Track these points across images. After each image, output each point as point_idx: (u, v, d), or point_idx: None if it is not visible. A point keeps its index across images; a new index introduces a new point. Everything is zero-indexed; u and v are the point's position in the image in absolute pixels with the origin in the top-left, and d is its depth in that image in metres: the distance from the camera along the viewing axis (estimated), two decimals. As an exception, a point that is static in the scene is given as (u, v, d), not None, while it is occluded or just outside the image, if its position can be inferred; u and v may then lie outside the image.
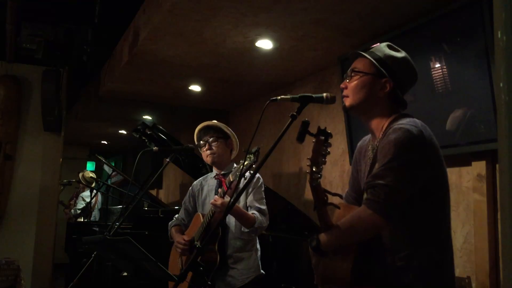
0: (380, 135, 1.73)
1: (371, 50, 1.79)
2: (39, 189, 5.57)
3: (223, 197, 2.47)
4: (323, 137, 1.57)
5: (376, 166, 1.64)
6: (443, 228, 1.69)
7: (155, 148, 3.05)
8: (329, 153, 1.60)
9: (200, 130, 2.85)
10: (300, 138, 1.58)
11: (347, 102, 1.78)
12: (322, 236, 1.65)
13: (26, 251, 5.35)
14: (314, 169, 1.58)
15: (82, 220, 7.46)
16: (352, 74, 1.78)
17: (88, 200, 7.55)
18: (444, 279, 1.64)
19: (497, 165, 2.83)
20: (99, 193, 7.64)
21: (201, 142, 2.81)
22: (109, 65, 5.71)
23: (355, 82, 1.76)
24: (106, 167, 9.06)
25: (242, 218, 2.56)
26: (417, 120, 1.69)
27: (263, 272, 2.73)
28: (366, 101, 1.75)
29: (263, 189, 2.71)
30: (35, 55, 4.90)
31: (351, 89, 1.76)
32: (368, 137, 1.90)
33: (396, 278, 1.61)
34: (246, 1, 3.32)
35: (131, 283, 3.71)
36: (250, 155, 2.25)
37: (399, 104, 1.77)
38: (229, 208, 1.83)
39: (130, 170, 10.41)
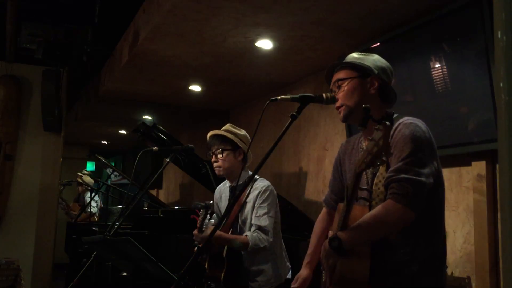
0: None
1: (345, 61, 1.85)
2: (39, 189, 5.57)
3: (200, 232, 2.53)
4: (389, 123, 1.40)
5: (394, 161, 1.64)
6: (441, 226, 1.74)
7: (155, 148, 3.05)
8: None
9: (209, 138, 2.75)
10: (364, 124, 1.52)
11: (343, 111, 1.80)
12: (342, 235, 1.61)
13: (26, 251, 5.34)
14: (383, 154, 1.40)
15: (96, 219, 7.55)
16: (339, 84, 1.81)
17: (98, 201, 7.69)
18: (438, 276, 1.70)
19: (497, 165, 2.83)
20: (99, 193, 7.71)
21: (209, 152, 2.72)
22: (109, 65, 5.71)
23: (344, 89, 1.79)
24: (109, 170, 9.07)
25: (232, 243, 2.53)
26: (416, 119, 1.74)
27: (289, 277, 2.67)
28: (361, 102, 1.76)
29: (269, 202, 2.58)
30: (35, 55, 4.90)
31: (342, 97, 1.79)
32: (352, 138, 1.94)
33: (405, 268, 1.65)
34: (246, 1, 3.32)
35: (131, 283, 3.71)
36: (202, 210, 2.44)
37: (389, 100, 1.82)
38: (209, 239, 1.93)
39: (130, 170, 10.41)
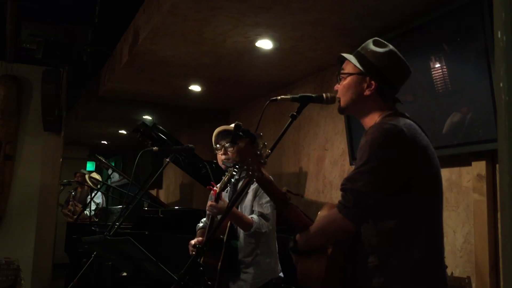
0: None
1: (358, 49, 1.80)
2: (39, 189, 5.57)
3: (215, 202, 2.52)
4: (248, 138, 1.68)
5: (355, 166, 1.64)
6: (430, 228, 1.64)
7: (155, 148, 3.05)
8: (269, 153, 1.73)
9: (218, 133, 2.81)
10: (233, 141, 1.74)
11: (339, 104, 1.80)
12: (298, 236, 1.69)
13: (26, 251, 5.35)
14: (244, 167, 1.68)
15: (94, 220, 7.54)
16: (340, 76, 1.80)
17: (98, 201, 7.66)
18: (427, 280, 1.60)
19: (497, 165, 2.83)
20: (101, 193, 7.70)
21: (218, 145, 2.78)
22: (109, 65, 5.71)
23: (343, 83, 1.78)
24: (109, 170, 9.08)
25: (238, 220, 2.58)
26: (401, 119, 1.65)
27: (281, 275, 2.72)
28: (355, 101, 1.75)
29: None
30: (35, 55, 4.90)
31: (340, 90, 1.79)
32: None
33: (371, 278, 1.59)
34: (246, 1, 3.32)
35: (131, 283, 3.71)
36: (230, 167, 2.34)
37: (392, 101, 1.76)
38: (227, 212, 1.87)
39: (130, 170, 10.40)
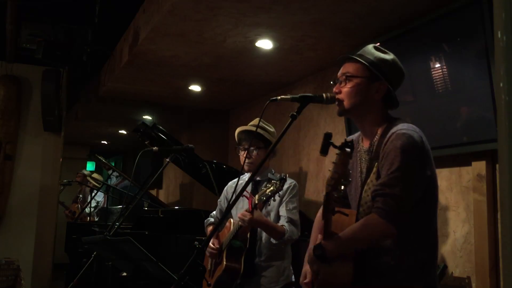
0: (376, 139, 1.75)
1: (360, 53, 1.80)
2: (39, 189, 5.57)
3: (251, 214, 2.43)
4: (349, 150, 1.54)
5: (383, 172, 1.66)
6: (431, 230, 1.73)
7: (155, 148, 3.05)
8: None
9: (242, 132, 2.78)
10: (324, 151, 1.58)
11: (340, 107, 1.79)
12: (327, 244, 1.66)
13: (26, 251, 5.35)
14: (343, 180, 1.54)
15: (94, 219, 7.55)
16: (345, 79, 1.78)
17: (99, 200, 7.66)
18: (427, 280, 1.69)
19: (497, 165, 2.83)
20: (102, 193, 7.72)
21: (241, 146, 2.76)
22: (109, 65, 5.71)
23: (349, 86, 1.76)
24: (110, 170, 9.10)
25: (271, 230, 2.56)
26: (411, 124, 1.73)
27: (293, 280, 2.71)
28: (362, 105, 1.76)
29: (297, 197, 2.68)
30: (35, 55, 4.90)
31: (346, 93, 1.77)
32: (355, 136, 1.92)
33: (391, 275, 1.65)
34: (246, 1, 3.32)
35: (131, 283, 3.71)
36: (276, 181, 2.27)
37: (392, 105, 1.80)
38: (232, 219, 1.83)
39: (130, 170, 10.40)
